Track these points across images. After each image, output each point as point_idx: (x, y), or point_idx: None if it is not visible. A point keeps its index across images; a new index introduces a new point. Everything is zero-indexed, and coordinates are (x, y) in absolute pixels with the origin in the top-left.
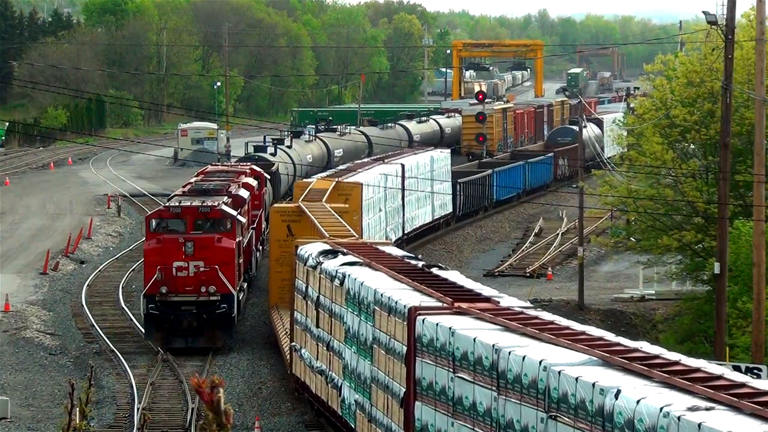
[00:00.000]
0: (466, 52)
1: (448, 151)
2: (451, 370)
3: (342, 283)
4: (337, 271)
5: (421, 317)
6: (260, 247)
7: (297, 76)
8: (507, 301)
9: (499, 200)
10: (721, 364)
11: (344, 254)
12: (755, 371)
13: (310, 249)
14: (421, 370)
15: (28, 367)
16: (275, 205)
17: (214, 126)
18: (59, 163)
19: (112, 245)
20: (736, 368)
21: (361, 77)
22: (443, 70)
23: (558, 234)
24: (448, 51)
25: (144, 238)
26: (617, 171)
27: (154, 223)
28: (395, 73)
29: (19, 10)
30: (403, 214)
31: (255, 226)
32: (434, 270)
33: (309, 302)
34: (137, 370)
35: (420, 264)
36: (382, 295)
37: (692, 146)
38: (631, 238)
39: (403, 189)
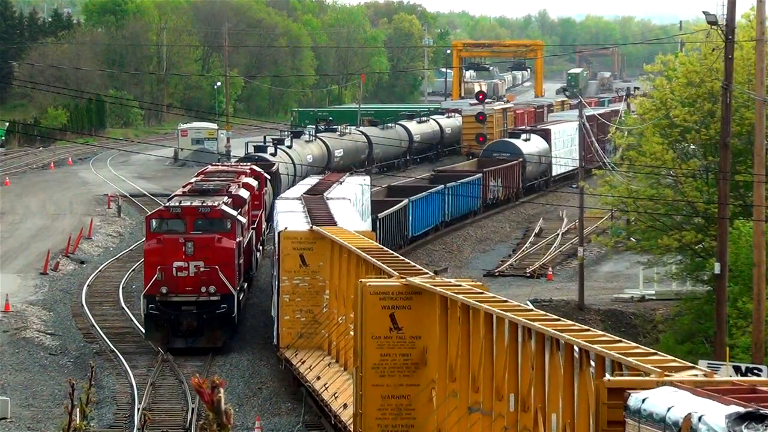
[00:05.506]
0: (466, 52)
1: (368, 178)
2: None
3: None
4: None
5: None
6: (260, 247)
7: (297, 76)
8: None
9: (415, 236)
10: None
11: None
12: (755, 371)
13: (677, 403)
14: None
15: (28, 367)
16: (369, 283)
17: (214, 126)
18: (59, 163)
19: (112, 245)
20: (737, 369)
21: (361, 77)
22: (443, 70)
23: (558, 234)
24: (448, 51)
25: (144, 239)
26: (617, 171)
27: (154, 223)
28: (395, 73)
29: (19, 10)
30: None
31: (255, 226)
32: None
33: None
34: (137, 370)
35: None
36: None
37: (692, 146)
38: (631, 238)
39: None
